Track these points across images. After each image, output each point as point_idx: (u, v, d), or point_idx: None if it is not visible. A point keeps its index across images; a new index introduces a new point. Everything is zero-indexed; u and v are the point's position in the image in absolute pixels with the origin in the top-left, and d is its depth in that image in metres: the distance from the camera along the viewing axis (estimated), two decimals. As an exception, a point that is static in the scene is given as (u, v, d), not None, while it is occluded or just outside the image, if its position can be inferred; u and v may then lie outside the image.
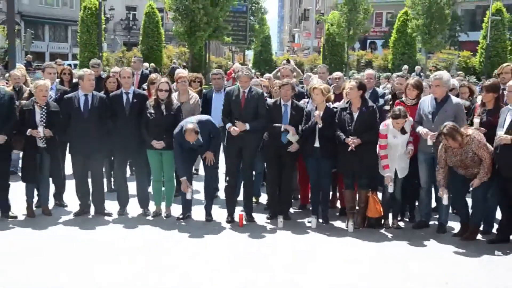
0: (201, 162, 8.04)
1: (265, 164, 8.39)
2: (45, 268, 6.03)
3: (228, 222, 7.77)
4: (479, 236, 7.23)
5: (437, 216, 7.68)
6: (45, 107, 7.65)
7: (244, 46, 44.93)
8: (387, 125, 7.32)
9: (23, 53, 35.98)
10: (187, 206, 7.83)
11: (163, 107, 7.75)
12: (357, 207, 7.69)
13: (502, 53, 37.78)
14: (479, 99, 8.28)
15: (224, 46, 52.46)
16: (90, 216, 7.98)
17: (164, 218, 7.91)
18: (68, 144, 8.22)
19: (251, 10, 43.57)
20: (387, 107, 8.25)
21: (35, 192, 7.99)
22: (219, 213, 7.95)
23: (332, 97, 8.02)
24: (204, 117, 7.84)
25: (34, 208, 7.92)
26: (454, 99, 7.42)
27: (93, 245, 6.79)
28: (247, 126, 7.58)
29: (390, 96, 8.59)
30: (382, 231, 7.48)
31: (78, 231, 7.33)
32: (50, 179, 8.00)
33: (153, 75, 9.38)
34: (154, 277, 5.83)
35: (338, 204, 8.49)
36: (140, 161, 8.13)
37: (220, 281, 5.78)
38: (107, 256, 6.45)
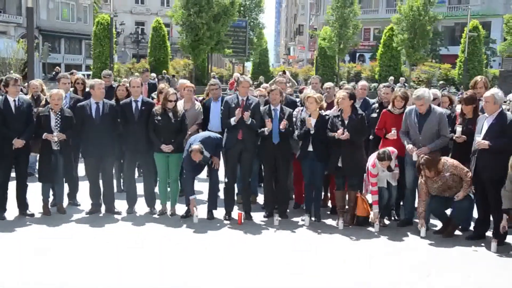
0: (205, 168, 8.03)
1: (262, 165, 8.39)
2: (57, 262, 6.00)
3: (225, 219, 7.75)
4: (458, 233, 7.22)
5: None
6: (59, 113, 7.65)
7: (243, 58, 44.89)
8: (375, 165, 7.33)
9: (40, 64, 35.94)
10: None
11: (170, 114, 7.75)
12: (346, 207, 7.69)
13: (478, 66, 38.10)
14: (458, 108, 8.29)
15: (225, 58, 52.36)
16: (101, 215, 7.95)
17: (169, 216, 7.89)
18: (81, 148, 8.21)
19: (250, 25, 43.49)
20: (374, 115, 8.25)
21: (51, 192, 7.97)
22: (220, 212, 7.93)
23: (325, 105, 8.03)
24: (205, 134, 7.93)
25: (49, 207, 7.89)
26: (437, 109, 7.43)
27: (102, 241, 6.77)
28: (250, 120, 7.55)
29: (377, 105, 8.59)
30: (370, 228, 7.47)
31: (90, 228, 7.32)
32: (64, 179, 7.97)
33: (161, 85, 9.39)
34: (158, 271, 5.81)
35: (330, 204, 8.48)
36: (147, 163, 8.11)
37: (219, 275, 5.76)
38: (115, 252, 6.42)
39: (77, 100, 8.58)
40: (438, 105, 8.08)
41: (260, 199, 8.61)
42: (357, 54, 54.56)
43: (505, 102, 7.47)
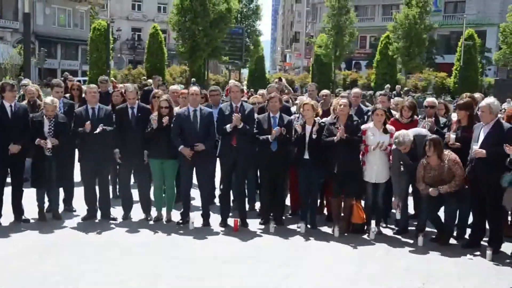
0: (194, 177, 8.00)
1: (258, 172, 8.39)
2: (52, 268, 5.97)
3: (221, 226, 7.74)
4: (454, 241, 7.24)
5: (416, 223, 7.69)
6: (53, 119, 7.65)
7: (240, 65, 45.08)
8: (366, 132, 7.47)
9: (36, 69, 35.90)
10: (186, 212, 7.80)
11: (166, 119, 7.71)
12: (342, 214, 7.69)
13: (474, 75, 38.23)
14: (454, 116, 8.33)
15: (222, 64, 52.51)
16: (97, 220, 7.93)
17: (165, 223, 7.87)
18: (77, 153, 8.20)
19: (247, 32, 43.70)
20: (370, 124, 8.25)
21: (46, 198, 7.94)
22: (216, 219, 7.92)
23: (320, 112, 8.06)
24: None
25: (45, 213, 7.85)
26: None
27: (97, 246, 6.75)
28: (242, 124, 7.52)
29: (371, 113, 8.61)
30: (365, 236, 7.47)
31: (85, 234, 7.29)
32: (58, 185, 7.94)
33: (156, 90, 9.41)
34: (151, 277, 5.80)
35: (325, 211, 8.48)
36: (143, 170, 8.09)
37: (215, 281, 5.75)
38: (109, 257, 6.40)
39: (71, 105, 8.62)
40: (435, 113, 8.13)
41: (257, 205, 8.61)
42: (353, 62, 54.78)
43: (500, 111, 7.50)
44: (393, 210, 7.81)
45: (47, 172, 7.65)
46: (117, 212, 8.09)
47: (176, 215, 7.94)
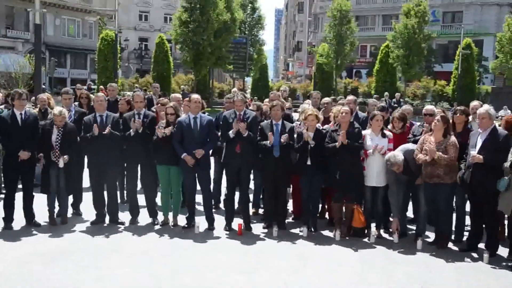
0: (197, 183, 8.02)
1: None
2: (62, 271, 6.01)
3: (226, 230, 7.76)
4: (451, 245, 7.23)
5: (414, 227, 7.70)
6: (62, 129, 7.69)
7: (243, 73, 45.09)
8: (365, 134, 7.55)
9: (47, 78, 36.08)
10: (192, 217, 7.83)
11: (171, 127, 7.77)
12: (343, 218, 7.70)
13: (471, 83, 38.25)
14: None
15: (226, 73, 52.63)
16: (105, 225, 7.96)
17: (172, 227, 7.90)
18: (86, 160, 8.24)
19: (250, 41, 43.72)
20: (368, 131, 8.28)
21: (57, 203, 7.97)
22: (221, 223, 7.94)
23: (322, 119, 8.09)
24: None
25: (55, 217, 7.88)
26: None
27: (102, 253, 6.74)
28: (247, 133, 7.57)
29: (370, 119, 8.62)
30: (365, 240, 7.48)
31: (94, 238, 7.32)
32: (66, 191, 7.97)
33: (162, 99, 9.44)
34: (159, 280, 5.81)
35: (327, 216, 8.48)
36: (149, 175, 8.13)
37: (220, 283, 5.76)
38: (117, 260, 6.43)
39: (82, 113, 8.68)
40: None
41: (261, 211, 8.62)
42: (354, 70, 54.80)
43: (497, 118, 7.56)
44: (392, 235, 7.64)
45: (56, 179, 7.70)
46: (124, 216, 8.12)
47: (182, 219, 7.96)
